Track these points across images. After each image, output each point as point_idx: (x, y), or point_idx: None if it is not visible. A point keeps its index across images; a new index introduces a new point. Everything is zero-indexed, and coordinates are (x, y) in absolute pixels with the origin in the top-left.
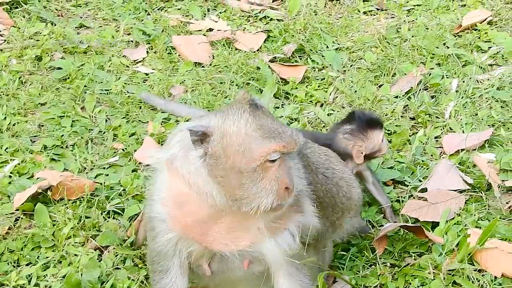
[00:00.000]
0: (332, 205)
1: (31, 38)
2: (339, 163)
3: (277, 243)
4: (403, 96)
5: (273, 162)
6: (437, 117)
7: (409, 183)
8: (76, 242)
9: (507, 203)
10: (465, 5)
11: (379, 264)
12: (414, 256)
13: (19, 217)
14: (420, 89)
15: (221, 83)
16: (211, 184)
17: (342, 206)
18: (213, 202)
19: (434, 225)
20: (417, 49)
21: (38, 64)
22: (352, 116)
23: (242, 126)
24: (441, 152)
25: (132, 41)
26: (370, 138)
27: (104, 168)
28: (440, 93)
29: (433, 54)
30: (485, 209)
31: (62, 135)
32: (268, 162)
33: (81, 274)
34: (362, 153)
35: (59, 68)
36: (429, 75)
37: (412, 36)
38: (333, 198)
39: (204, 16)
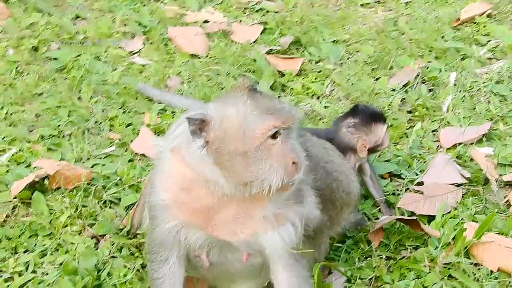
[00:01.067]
0: (332, 200)
1: (28, 29)
2: (338, 157)
3: (279, 235)
4: (400, 89)
5: (275, 139)
6: (435, 111)
7: (406, 176)
8: (73, 231)
9: (504, 197)
10: None
11: (374, 257)
12: (410, 249)
13: (16, 205)
14: (417, 83)
15: (218, 74)
16: (217, 172)
17: (342, 201)
18: (221, 190)
19: (430, 218)
20: (415, 42)
21: (35, 54)
22: (356, 109)
23: (241, 107)
24: (438, 146)
25: (128, 32)
26: (374, 131)
27: (100, 158)
28: (438, 86)
29: (431, 48)
30: (482, 203)
31: (59, 125)
32: (270, 140)
33: (78, 262)
34: (365, 146)
35: (56, 59)
36: (427, 68)
37: (410, 29)
38: (333, 193)
39: (200, 8)
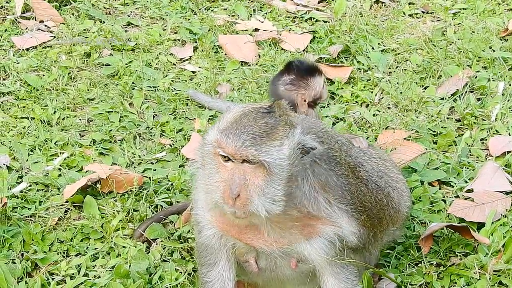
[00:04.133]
0: (379, 217)
1: (80, 35)
2: (395, 169)
3: (313, 246)
4: (449, 98)
5: (227, 162)
6: (483, 119)
7: (455, 184)
8: (125, 234)
9: None
10: (511, 9)
11: (424, 263)
12: (460, 256)
13: (68, 209)
14: (466, 91)
15: (267, 82)
16: (206, 182)
17: (389, 218)
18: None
19: (480, 225)
20: (463, 52)
21: (87, 60)
22: (290, 66)
23: (226, 117)
24: (487, 154)
25: (179, 39)
26: (312, 85)
27: (151, 163)
28: (486, 95)
29: (479, 57)
30: None
31: (111, 130)
32: (221, 158)
33: (130, 266)
34: (305, 101)
35: (108, 65)
36: (475, 77)
37: (458, 39)
38: (381, 210)
39: (250, 17)
